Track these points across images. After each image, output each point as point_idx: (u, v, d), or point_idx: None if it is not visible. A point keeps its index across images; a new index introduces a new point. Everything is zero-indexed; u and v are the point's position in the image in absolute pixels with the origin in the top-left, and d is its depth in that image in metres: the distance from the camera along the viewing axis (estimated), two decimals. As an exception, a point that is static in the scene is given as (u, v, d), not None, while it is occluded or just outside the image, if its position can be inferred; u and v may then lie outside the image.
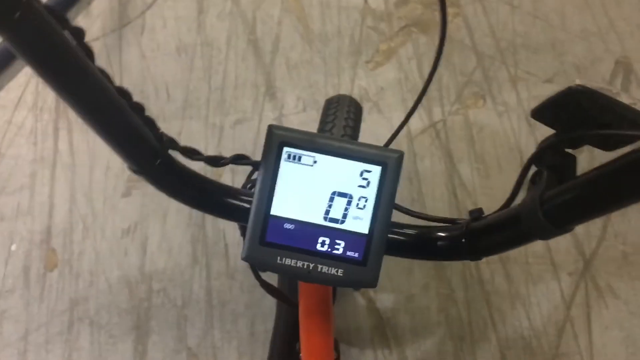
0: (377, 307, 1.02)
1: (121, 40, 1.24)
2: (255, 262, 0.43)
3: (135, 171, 0.47)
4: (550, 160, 0.39)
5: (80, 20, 1.22)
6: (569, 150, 0.39)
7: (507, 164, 1.10)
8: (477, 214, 0.46)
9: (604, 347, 0.98)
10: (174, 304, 1.03)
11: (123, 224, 1.08)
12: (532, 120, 0.36)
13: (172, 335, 1.02)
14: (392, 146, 0.51)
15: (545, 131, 0.39)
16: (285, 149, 0.42)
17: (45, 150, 1.14)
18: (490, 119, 1.14)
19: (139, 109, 0.44)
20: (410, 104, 1.15)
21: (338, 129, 0.74)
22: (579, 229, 0.95)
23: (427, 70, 1.17)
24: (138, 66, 1.21)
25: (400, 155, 0.42)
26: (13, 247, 1.08)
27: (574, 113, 0.35)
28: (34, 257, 1.07)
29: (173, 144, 0.48)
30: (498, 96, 1.15)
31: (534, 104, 0.36)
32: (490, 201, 1.07)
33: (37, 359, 1.02)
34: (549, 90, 1.14)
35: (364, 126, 0.83)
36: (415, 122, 1.14)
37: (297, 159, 0.42)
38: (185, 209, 1.08)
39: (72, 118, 1.16)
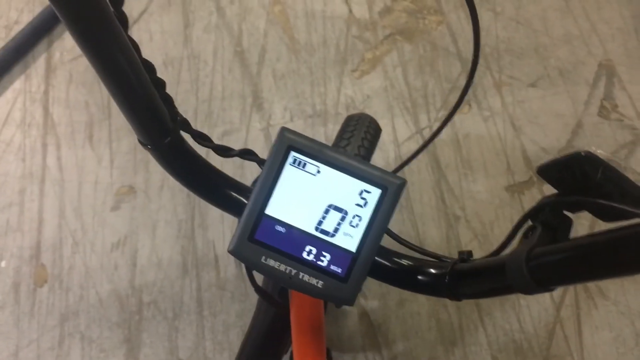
0: (368, 313, 1.02)
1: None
2: (240, 257, 0.43)
3: (144, 145, 0.47)
4: (546, 219, 0.39)
5: (66, 36, 1.23)
6: (567, 213, 0.39)
7: (494, 168, 1.11)
8: (465, 256, 0.47)
9: (595, 347, 0.99)
10: (165, 316, 1.03)
11: (113, 238, 1.08)
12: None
13: (163, 348, 1.02)
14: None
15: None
16: (292, 154, 0.42)
17: (34, 166, 1.14)
18: (475, 124, 1.15)
19: (161, 84, 0.45)
20: (397, 112, 1.16)
21: (352, 147, 0.75)
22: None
23: (412, 78, 1.19)
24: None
25: (402, 183, 0.42)
26: (3, 264, 1.07)
27: (578, 178, 0.36)
28: (23, 273, 1.07)
29: (186, 126, 0.48)
30: (483, 101, 1.16)
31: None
32: (477, 205, 1.08)
33: (28, 376, 1.01)
34: (533, 95, 1.15)
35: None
36: (401, 129, 1.15)
37: (301, 165, 0.42)
38: (174, 221, 1.08)
39: (60, 134, 1.16)
